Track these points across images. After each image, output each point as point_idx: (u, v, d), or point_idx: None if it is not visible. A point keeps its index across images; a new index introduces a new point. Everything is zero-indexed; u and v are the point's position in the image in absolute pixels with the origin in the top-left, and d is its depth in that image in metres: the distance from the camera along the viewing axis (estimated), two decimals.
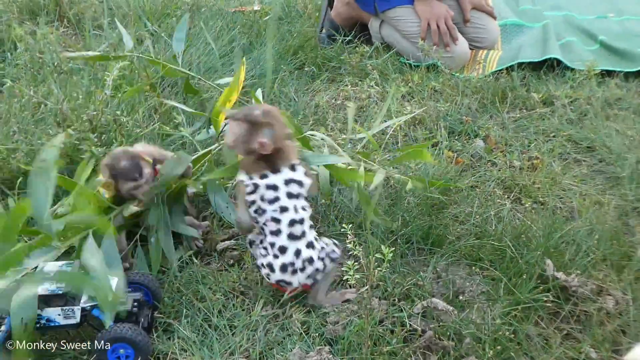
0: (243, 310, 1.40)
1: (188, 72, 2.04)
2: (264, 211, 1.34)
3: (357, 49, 2.59)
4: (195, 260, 1.53)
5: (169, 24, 2.71)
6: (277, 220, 1.33)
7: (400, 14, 2.60)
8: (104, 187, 1.46)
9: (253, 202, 1.35)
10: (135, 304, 1.29)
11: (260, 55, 2.50)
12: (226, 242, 1.61)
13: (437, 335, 1.30)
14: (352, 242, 1.24)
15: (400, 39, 2.60)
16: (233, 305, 1.41)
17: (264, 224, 1.35)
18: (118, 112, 1.81)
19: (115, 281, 1.29)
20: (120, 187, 1.46)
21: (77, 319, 1.25)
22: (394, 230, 1.60)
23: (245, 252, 1.57)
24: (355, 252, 1.24)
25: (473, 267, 1.52)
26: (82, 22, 2.88)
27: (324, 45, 2.69)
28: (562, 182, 1.84)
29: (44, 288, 1.24)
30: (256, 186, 1.34)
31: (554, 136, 2.06)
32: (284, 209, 1.33)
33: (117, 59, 2.03)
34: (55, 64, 2.29)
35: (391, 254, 1.22)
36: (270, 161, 1.35)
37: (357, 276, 1.22)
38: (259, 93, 1.89)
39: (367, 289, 1.27)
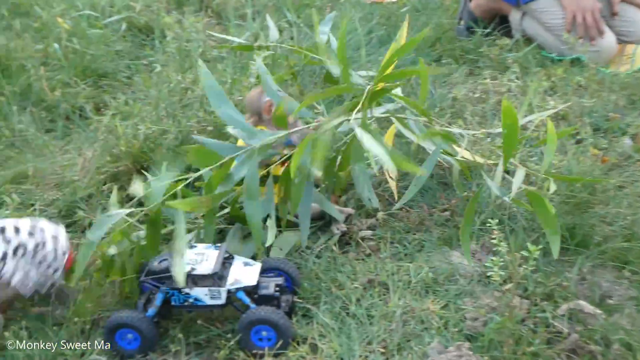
0: (380, 300, 1.41)
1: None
2: None
3: (496, 41, 2.52)
4: (334, 248, 1.55)
5: (309, 14, 2.75)
6: None
7: (544, 6, 2.52)
8: (267, 109, 1.60)
9: None
10: (277, 288, 1.33)
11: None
12: (365, 231, 1.62)
13: (583, 339, 1.25)
14: (497, 238, 1.22)
15: (543, 32, 2.52)
16: (370, 294, 1.42)
17: None
18: None
19: (257, 267, 1.34)
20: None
21: (223, 300, 1.30)
22: (535, 228, 1.55)
23: (382, 241, 1.58)
24: (499, 249, 1.22)
25: (621, 271, 1.45)
26: (224, 12, 2.98)
27: (462, 38, 2.65)
28: None
29: (193, 268, 1.30)
30: None
31: None
32: None
33: (260, 49, 2.09)
34: (201, 51, 2.39)
35: (538, 252, 1.19)
36: None
37: (502, 273, 1.20)
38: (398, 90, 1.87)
39: (510, 287, 1.24)
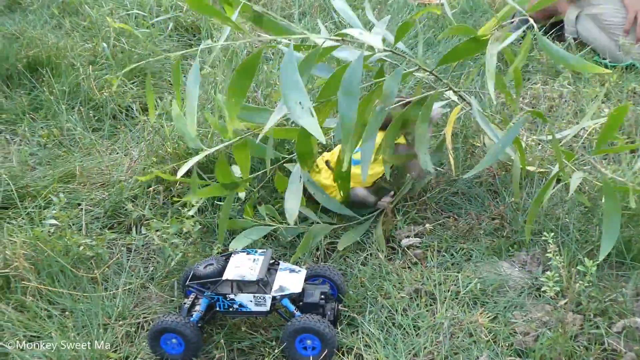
0: (427, 311, 1.38)
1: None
2: None
3: None
4: (380, 255, 1.52)
5: (356, 14, 2.72)
6: None
7: (604, 2, 2.45)
8: None
9: None
10: (322, 296, 1.31)
11: (445, 49, 2.45)
12: (411, 239, 1.59)
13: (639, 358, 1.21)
14: (552, 252, 1.18)
15: (598, 33, 2.45)
16: (417, 305, 1.39)
17: None
18: None
19: (303, 273, 1.32)
20: None
21: (267, 307, 1.29)
22: (588, 240, 1.51)
23: (429, 249, 1.55)
24: (555, 263, 1.18)
25: None
26: (270, 12, 2.97)
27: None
28: None
29: (238, 274, 1.29)
30: None
31: None
32: None
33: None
34: (247, 53, 2.38)
35: (595, 268, 1.14)
36: None
37: (557, 289, 1.16)
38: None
39: (564, 303, 1.20)
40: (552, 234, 1.27)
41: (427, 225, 1.61)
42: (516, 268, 1.49)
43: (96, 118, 2.12)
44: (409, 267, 1.51)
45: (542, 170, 1.73)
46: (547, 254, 1.20)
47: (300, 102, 1.18)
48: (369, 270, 1.49)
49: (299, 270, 1.34)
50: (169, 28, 2.77)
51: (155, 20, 2.79)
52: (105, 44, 2.42)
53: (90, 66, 2.29)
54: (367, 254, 1.55)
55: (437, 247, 1.56)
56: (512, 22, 2.71)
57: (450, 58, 1.56)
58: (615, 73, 2.22)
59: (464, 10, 2.95)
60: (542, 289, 1.28)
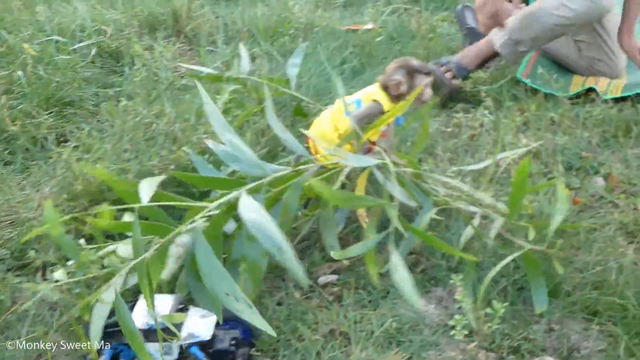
0: (342, 352, 1.35)
1: (301, 96, 2.03)
2: None
3: (471, 74, 2.48)
4: (296, 295, 1.50)
5: (282, 42, 2.72)
6: None
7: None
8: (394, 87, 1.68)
9: None
10: (233, 342, 1.28)
11: (372, 77, 2.45)
12: (328, 276, 1.57)
13: None
14: (461, 295, 1.18)
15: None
16: (332, 346, 1.36)
17: None
18: None
19: (213, 318, 1.28)
20: (416, 83, 1.69)
21: (175, 356, 1.25)
22: (505, 275, 1.51)
23: (346, 287, 1.53)
24: (462, 305, 1.17)
25: (590, 322, 1.41)
26: (198, 37, 2.94)
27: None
28: None
29: (144, 322, 1.24)
30: None
31: None
32: None
33: (230, 81, 2.05)
34: (170, 82, 2.34)
35: (503, 310, 1.14)
36: None
37: (465, 332, 1.15)
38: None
39: (474, 345, 1.20)
40: (460, 276, 1.26)
41: (344, 261, 1.59)
42: (432, 304, 1.48)
43: (8, 151, 2.04)
44: (325, 307, 1.49)
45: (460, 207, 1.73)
46: (456, 297, 1.20)
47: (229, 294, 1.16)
48: (284, 310, 1.46)
49: (210, 315, 1.31)
50: (92, 54, 2.71)
51: (77, 45, 2.73)
52: (21, 72, 2.35)
53: (4, 96, 2.21)
54: (284, 293, 1.52)
55: (354, 284, 1.54)
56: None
57: None
58: (535, 102, 2.25)
59: (391, 37, 2.97)
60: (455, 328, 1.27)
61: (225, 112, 1.94)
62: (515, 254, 1.38)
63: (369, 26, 3.00)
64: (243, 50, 2.13)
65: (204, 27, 2.99)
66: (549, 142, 2.02)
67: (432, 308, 1.47)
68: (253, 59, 2.60)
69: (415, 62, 1.72)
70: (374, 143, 1.71)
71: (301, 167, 1.49)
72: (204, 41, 2.86)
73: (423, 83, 1.71)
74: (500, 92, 2.37)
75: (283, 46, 2.69)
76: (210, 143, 1.59)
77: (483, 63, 2.51)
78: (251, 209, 1.24)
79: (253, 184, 1.40)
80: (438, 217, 1.61)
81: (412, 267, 1.59)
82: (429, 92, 1.74)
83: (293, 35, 2.77)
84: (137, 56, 2.51)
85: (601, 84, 2.40)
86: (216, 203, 1.36)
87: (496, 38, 2.42)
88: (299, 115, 2.07)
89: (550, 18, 2.31)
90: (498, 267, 1.34)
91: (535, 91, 2.37)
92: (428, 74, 1.72)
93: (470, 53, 2.50)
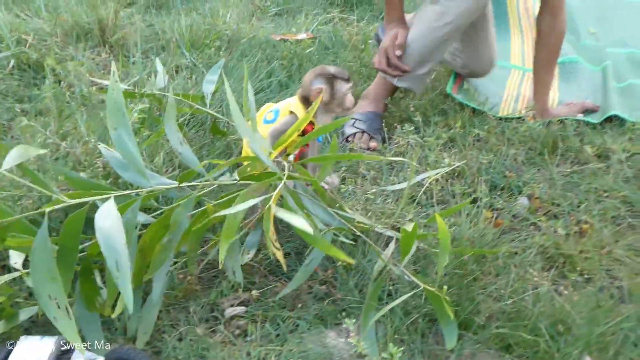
0: None
1: (216, 114, 1.96)
2: None
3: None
4: (198, 331, 1.41)
5: (207, 54, 2.62)
6: None
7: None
8: (315, 96, 1.61)
9: None
10: None
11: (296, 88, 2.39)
12: (236, 308, 1.49)
13: None
14: (356, 340, 1.11)
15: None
16: None
17: None
18: None
19: None
20: (337, 89, 1.64)
21: None
22: (417, 306, 1.45)
23: (253, 321, 1.45)
24: (360, 350, 1.10)
25: (504, 356, 1.36)
26: (124, 48, 2.83)
27: None
28: (614, 251, 1.66)
29: None
30: None
31: (607, 196, 1.87)
32: None
33: (143, 97, 1.96)
34: (86, 97, 2.23)
35: (400, 354, 1.08)
36: None
37: None
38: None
39: None
40: (354, 320, 1.20)
41: (253, 292, 1.52)
42: (342, 338, 1.41)
43: None
44: (230, 342, 1.41)
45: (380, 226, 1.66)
46: (350, 341, 1.13)
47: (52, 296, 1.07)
48: (184, 347, 1.37)
49: (96, 358, 1.22)
50: (11, 65, 2.58)
51: None
52: None
53: None
54: (185, 328, 1.43)
55: (261, 316, 1.46)
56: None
57: None
58: (461, 118, 2.21)
59: (325, 47, 2.91)
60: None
61: (136, 133, 1.85)
62: (410, 293, 1.33)
63: (302, 36, 2.93)
64: (159, 65, 2.05)
65: (131, 37, 2.88)
66: (474, 160, 1.97)
67: (341, 342, 1.40)
68: (177, 71, 2.51)
69: (333, 68, 1.66)
70: (299, 157, 1.65)
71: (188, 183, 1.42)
72: (131, 51, 2.75)
73: (344, 89, 1.65)
74: (429, 107, 2.32)
75: (210, 58, 2.60)
76: (102, 148, 1.51)
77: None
78: (107, 217, 1.14)
79: (123, 192, 1.32)
80: (351, 242, 1.56)
81: (324, 296, 1.52)
82: (350, 98, 1.67)
83: (218, 47, 2.68)
84: (51, 69, 2.39)
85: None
86: (78, 200, 1.26)
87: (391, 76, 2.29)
88: (216, 134, 1.99)
89: (436, 32, 2.18)
90: (387, 308, 1.28)
91: (463, 106, 2.33)
92: (348, 80, 1.65)
93: (369, 96, 2.36)
